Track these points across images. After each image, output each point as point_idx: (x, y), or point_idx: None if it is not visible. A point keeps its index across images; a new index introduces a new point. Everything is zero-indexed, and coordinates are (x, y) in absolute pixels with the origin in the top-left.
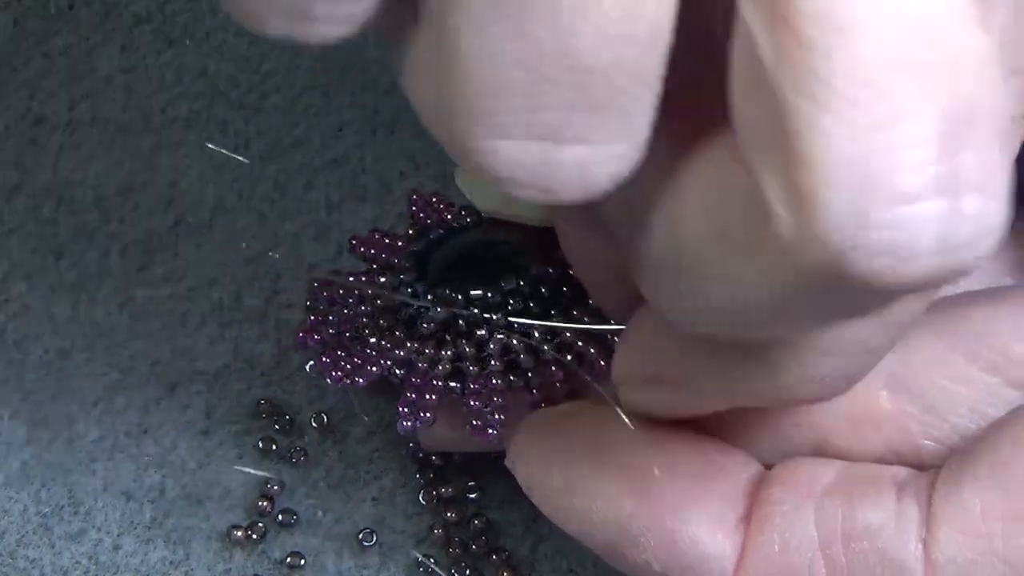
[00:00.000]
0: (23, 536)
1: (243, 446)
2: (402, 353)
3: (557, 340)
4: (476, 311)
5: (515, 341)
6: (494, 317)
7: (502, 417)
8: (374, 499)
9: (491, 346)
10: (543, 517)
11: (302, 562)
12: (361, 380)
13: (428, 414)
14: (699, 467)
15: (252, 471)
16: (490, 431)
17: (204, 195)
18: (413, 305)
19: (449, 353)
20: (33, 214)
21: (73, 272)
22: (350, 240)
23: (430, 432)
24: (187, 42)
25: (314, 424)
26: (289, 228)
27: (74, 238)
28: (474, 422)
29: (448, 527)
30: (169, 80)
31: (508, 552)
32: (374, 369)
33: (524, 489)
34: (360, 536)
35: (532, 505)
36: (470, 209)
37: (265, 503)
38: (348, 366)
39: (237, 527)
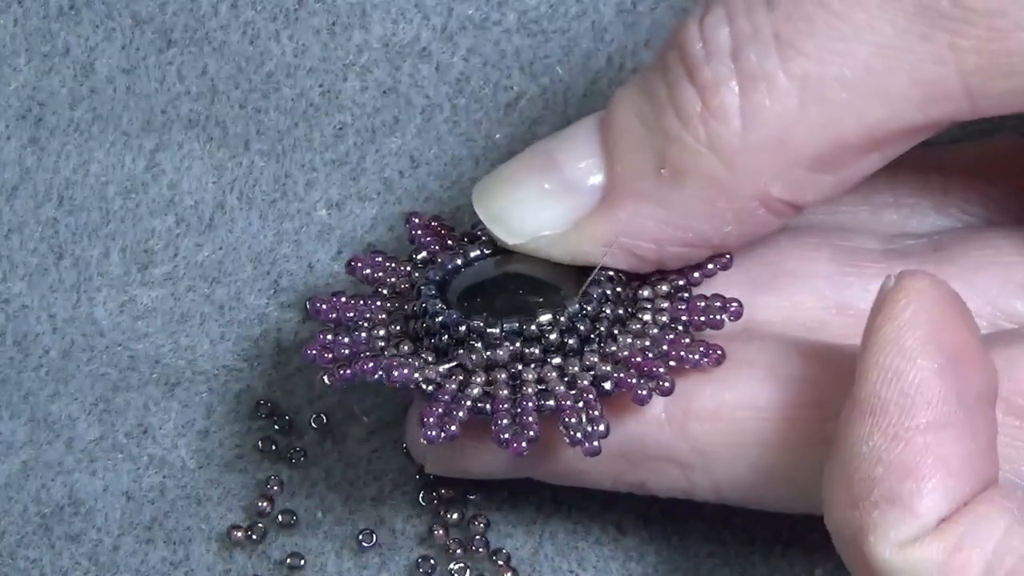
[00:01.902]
0: (23, 536)
1: (243, 446)
2: (431, 373)
3: (593, 373)
4: (517, 346)
5: (551, 374)
6: (535, 352)
7: (532, 433)
8: (374, 499)
9: (526, 376)
10: (543, 517)
11: (302, 562)
12: (396, 376)
13: (455, 427)
14: None
15: (252, 471)
16: (518, 445)
17: (204, 195)
18: (442, 334)
19: (480, 379)
20: (33, 214)
21: (73, 272)
22: (349, 263)
23: (442, 455)
24: (187, 42)
25: (314, 424)
26: (289, 228)
27: (74, 238)
28: (501, 436)
29: (448, 527)
30: (169, 81)
31: (508, 552)
32: (407, 372)
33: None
34: (360, 536)
35: (532, 505)
36: (471, 235)
37: (265, 503)
38: (386, 363)
39: (237, 527)
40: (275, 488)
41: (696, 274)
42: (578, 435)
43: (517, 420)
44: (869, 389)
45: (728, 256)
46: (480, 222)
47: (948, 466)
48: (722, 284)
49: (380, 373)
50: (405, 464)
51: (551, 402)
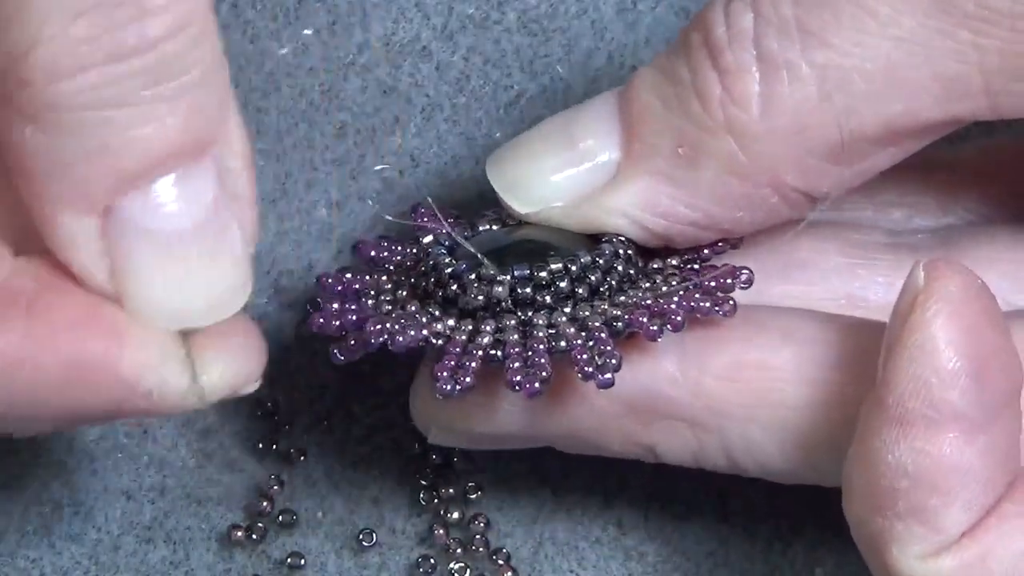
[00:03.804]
0: (23, 536)
1: (243, 446)
2: (439, 327)
3: (603, 317)
4: (527, 291)
5: (562, 319)
6: (546, 298)
7: (544, 374)
8: (374, 499)
9: (536, 321)
10: (543, 517)
11: (302, 562)
12: (401, 340)
13: (469, 379)
14: None
15: (252, 471)
16: (531, 387)
17: None
18: (451, 284)
19: (490, 327)
20: None
21: None
22: (355, 245)
23: (448, 419)
24: None
25: (314, 424)
26: (289, 227)
27: None
28: (513, 379)
29: (448, 527)
30: None
31: (508, 552)
32: (413, 333)
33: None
34: (360, 536)
35: (532, 505)
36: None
37: (265, 503)
38: (391, 326)
39: (237, 527)
40: (275, 488)
41: (706, 250)
42: (590, 369)
43: (529, 363)
44: (897, 397)
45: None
46: (487, 212)
47: (975, 479)
48: None
49: (384, 337)
50: (405, 464)
51: (563, 343)
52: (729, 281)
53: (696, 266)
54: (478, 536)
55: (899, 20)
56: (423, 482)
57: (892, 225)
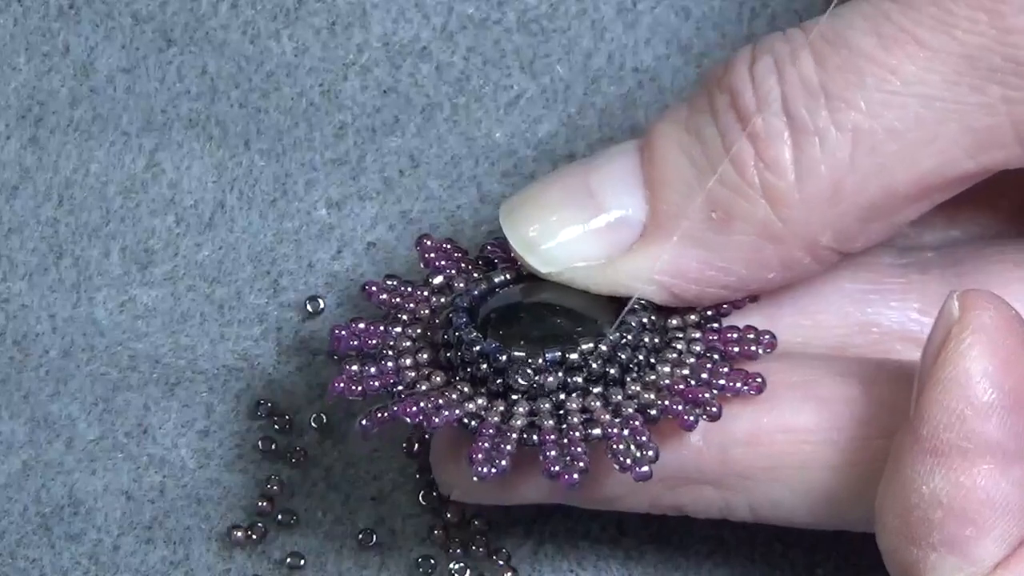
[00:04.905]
0: (23, 536)
1: (243, 446)
2: (472, 407)
3: (637, 401)
4: (559, 376)
5: (595, 403)
6: (579, 381)
7: (582, 465)
8: (374, 499)
9: (570, 405)
10: (543, 517)
11: (302, 562)
12: (436, 421)
13: (505, 462)
14: None
15: (252, 471)
16: (569, 477)
17: (204, 194)
18: (480, 363)
19: (524, 409)
20: (33, 214)
21: (73, 272)
22: (364, 287)
23: (474, 486)
24: (187, 41)
25: (314, 424)
26: (289, 227)
27: (74, 238)
28: (552, 468)
29: (448, 527)
30: (169, 79)
31: (508, 552)
32: (447, 414)
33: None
34: (360, 536)
35: (532, 505)
36: (486, 259)
37: (265, 503)
38: (426, 406)
39: (237, 527)
40: (275, 488)
41: (725, 305)
42: (628, 460)
43: (565, 452)
44: (931, 429)
45: None
46: (494, 242)
47: (1008, 511)
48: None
49: (420, 419)
50: (405, 464)
51: (598, 431)
52: (752, 348)
53: (716, 324)
54: (478, 536)
55: (926, 78)
56: (423, 482)
57: (899, 241)
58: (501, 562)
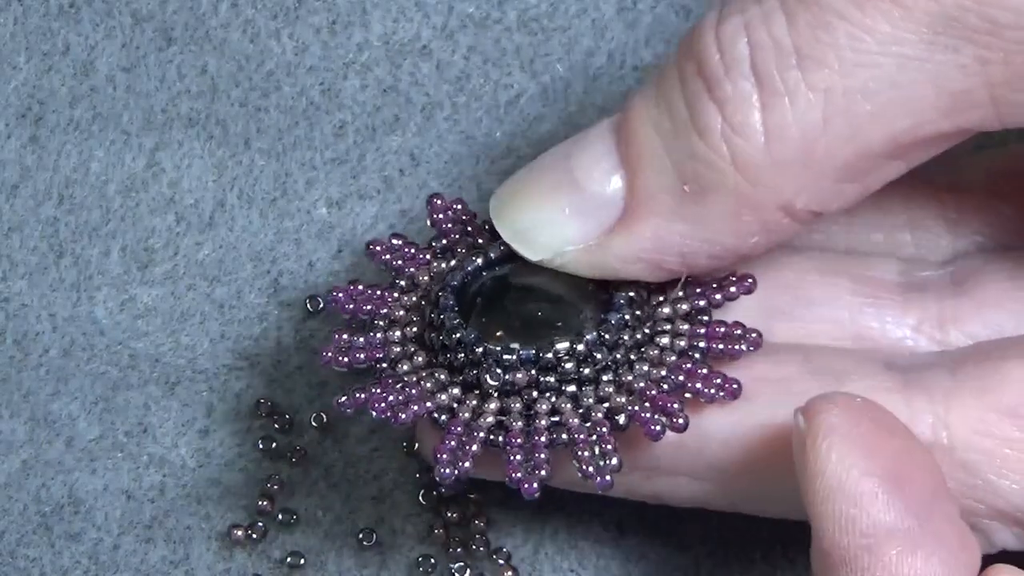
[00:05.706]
0: (23, 536)
1: (243, 446)
2: (444, 398)
3: (607, 404)
4: (533, 375)
5: (566, 405)
6: (551, 380)
7: (543, 474)
8: (374, 499)
9: (540, 406)
10: (543, 517)
11: (302, 562)
12: (404, 417)
13: (468, 464)
14: None
15: (252, 470)
16: (529, 486)
17: (204, 194)
18: (458, 352)
19: (494, 406)
20: (33, 213)
21: (73, 271)
22: (368, 245)
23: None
24: (187, 40)
25: (314, 424)
26: (289, 226)
27: (74, 237)
28: (514, 475)
29: (448, 526)
30: (169, 79)
31: (508, 551)
32: (416, 408)
33: None
34: (360, 536)
35: (532, 505)
36: (492, 227)
37: (265, 503)
38: (394, 400)
39: (237, 527)
40: (275, 487)
41: (718, 296)
42: (590, 469)
43: (529, 457)
44: (831, 540)
45: (751, 280)
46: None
47: None
48: (740, 308)
49: (388, 415)
50: (405, 464)
51: (564, 436)
52: (737, 347)
53: (706, 317)
54: (478, 536)
55: (901, 37)
56: (423, 482)
57: (901, 251)
58: (501, 562)
